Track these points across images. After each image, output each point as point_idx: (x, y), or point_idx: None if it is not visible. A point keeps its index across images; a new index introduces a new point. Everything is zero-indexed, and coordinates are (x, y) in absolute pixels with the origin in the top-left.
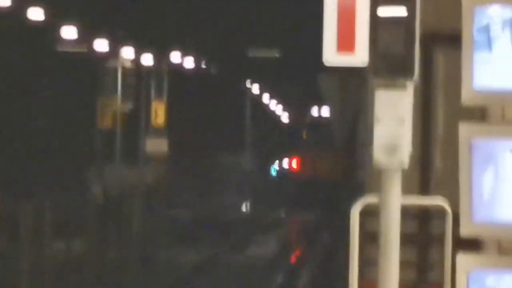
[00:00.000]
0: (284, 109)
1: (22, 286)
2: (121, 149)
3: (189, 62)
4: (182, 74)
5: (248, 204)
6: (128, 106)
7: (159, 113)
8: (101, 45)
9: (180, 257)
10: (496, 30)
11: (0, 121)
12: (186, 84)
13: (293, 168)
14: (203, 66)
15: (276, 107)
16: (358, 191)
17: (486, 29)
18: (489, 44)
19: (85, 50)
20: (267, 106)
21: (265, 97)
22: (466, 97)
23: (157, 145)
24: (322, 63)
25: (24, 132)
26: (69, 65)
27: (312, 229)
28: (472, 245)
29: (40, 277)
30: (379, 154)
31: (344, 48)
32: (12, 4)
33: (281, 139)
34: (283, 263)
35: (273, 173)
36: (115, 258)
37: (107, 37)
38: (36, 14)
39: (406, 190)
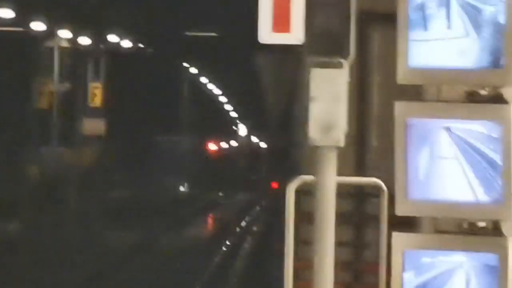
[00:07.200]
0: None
1: None
2: (58, 129)
3: (126, 43)
4: (119, 55)
5: (185, 184)
6: (65, 86)
7: (96, 93)
8: (38, 25)
9: (116, 239)
10: (432, 8)
11: None
12: (123, 65)
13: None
14: (140, 47)
15: (213, 87)
16: (295, 170)
17: (422, 7)
18: (424, 22)
19: (21, 29)
20: (204, 86)
21: (203, 78)
22: (402, 76)
23: (94, 126)
24: (258, 42)
25: None
26: (5, 45)
27: (249, 209)
28: (408, 224)
29: None
30: (314, 132)
31: (279, 26)
32: None
33: (217, 119)
34: (219, 244)
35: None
36: (50, 239)
37: (44, 19)
38: None
39: (342, 168)
